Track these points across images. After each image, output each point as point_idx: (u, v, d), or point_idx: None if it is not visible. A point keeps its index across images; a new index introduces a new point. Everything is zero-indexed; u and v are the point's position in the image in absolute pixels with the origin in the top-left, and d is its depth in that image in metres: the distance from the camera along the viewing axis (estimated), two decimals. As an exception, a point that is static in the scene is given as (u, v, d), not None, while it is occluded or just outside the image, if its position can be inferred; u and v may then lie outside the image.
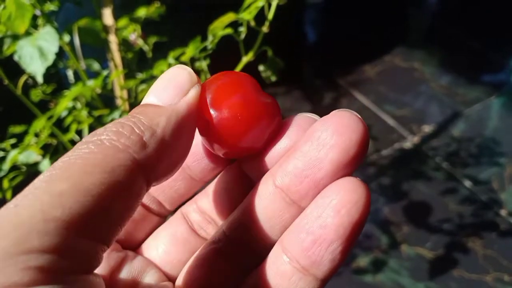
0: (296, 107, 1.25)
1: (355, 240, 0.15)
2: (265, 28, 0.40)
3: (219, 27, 0.40)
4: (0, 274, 0.10)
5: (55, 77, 0.89)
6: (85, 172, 0.13)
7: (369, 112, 1.22)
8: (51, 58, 0.52)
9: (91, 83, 0.49)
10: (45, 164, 0.57)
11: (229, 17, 0.38)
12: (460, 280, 0.85)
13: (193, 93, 0.16)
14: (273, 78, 0.48)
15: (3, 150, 0.60)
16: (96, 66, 0.72)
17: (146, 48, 0.74)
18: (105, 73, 0.49)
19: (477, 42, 1.38)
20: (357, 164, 0.16)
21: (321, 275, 0.15)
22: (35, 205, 0.12)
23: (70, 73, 0.73)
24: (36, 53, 0.53)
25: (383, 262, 0.90)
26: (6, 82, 0.65)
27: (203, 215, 0.21)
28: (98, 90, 0.50)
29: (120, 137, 0.14)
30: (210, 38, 0.41)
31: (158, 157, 0.14)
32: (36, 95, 0.66)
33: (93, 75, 0.73)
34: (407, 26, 1.56)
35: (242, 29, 0.43)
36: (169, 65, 0.48)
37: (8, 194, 0.62)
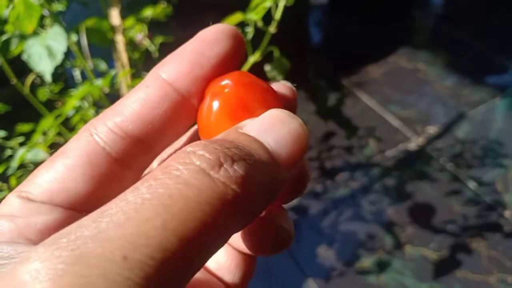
0: (301, 107, 1.25)
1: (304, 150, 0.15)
2: (272, 29, 0.40)
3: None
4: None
5: (62, 77, 0.89)
6: (189, 210, 0.12)
7: (373, 113, 1.23)
8: (59, 57, 0.52)
9: (99, 82, 0.50)
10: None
11: (237, 17, 0.39)
12: (464, 281, 0.85)
13: (303, 151, 0.15)
14: (280, 78, 0.48)
15: (11, 148, 0.61)
16: (103, 65, 0.72)
17: (152, 48, 0.75)
18: (112, 72, 0.50)
19: (481, 44, 1.38)
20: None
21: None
22: (125, 239, 0.11)
23: (77, 73, 0.73)
24: (45, 52, 0.53)
25: (387, 263, 0.90)
26: (14, 81, 0.65)
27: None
28: (106, 90, 0.51)
29: (229, 180, 0.12)
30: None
31: (259, 205, 0.13)
32: (43, 94, 0.67)
33: (99, 75, 0.73)
34: (411, 28, 1.56)
35: (250, 29, 0.43)
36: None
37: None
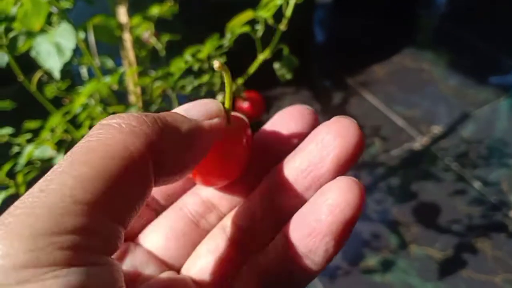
0: (305, 107, 1.25)
1: (347, 236, 0.16)
2: (282, 26, 0.40)
3: (238, 25, 0.40)
4: (41, 253, 0.11)
5: (69, 74, 0.89)
6: (104, 156, 0.13)
7: (378, 112, 1.23)
8: (68, 54, 0.52)
9: (107, 79, 0.50)
10: (59, 159, 0.57)
11: (248, 15, 0.39)
12: (469, 281, 0.85)
13: (218, 120, 0.17)
14: (288, 77, 0.48)
15: (18, 145, 0.61)
16: (110, 63, 0.72)
17: (159, 46, 0.75)
18: (120, 70, 0.50)
19: (486, 44, 1.38)
20: (353, 164, 0.18)
21: (317, 262, 0.17)
22: (63, 190, 0.12)
23: (84, 70, 0.74)
24: (54, 49, 0.54)
25: (392, 262, 0.90)
26: (21, 78, 0.66)
27: (205, 204, 0.21)
28: (115, 87, 0.51)
29: (141, 124, 0.14)
30: (228, 35, 0.42)
31: (170, 157, 0.15)
32: (50, 91, 0.67)
33: (106, 72, 0.73)
34: (416, 27, 1.56)
35: (259, 27, 0.43)
36: (186, 62, 0.48)
37: (22, 189, 0.62)
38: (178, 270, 0.20)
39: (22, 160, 0.52)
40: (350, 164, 0.18)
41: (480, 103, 1.20)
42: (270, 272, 0.18)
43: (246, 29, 0.43)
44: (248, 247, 0.19)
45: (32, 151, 0.53)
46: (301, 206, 0.17)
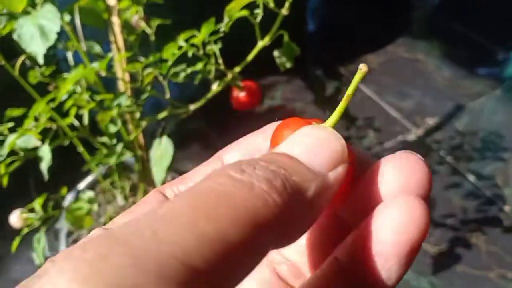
0: (298, 97, 1.23)
1: (411, 262, 0.15)
2: (284, 10, 0.37)
3: (236, 9, 0.37)
4: None
5: (54, 59, 0.85)
6: (232, 219, 0.11)
7: (371, 102, 1.20)
8: (52, 37, 0.49)
9: (95, 65, 0.47)
10: (44, 149, 0.54)
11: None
12: (463, 276, 0.84)
13: (342, 170, 0.15)
14: (288, 65, 0.45)
15: (0, 134, 0.57)
16: (97, 48, 0.69)
17: (148, 31, 0.71)
18: (109, 56, 0.46)
19: (481, 35, 1.36)
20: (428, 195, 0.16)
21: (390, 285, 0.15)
22: (177, 246, 0.10)
23: (69, 55, 0.70)
24: (37, 32, 0.50)
25: (386, 256, 0.88)
26: (2, 62, 0.62)
27: (292, 268, 0.19)
28: (103, 73, 0.48)
29: (272, 190, 0.13)
30: (225, 20, 0.39)
31: (296, 223, 0.13)
32: (34, 77, 0.63)
33: (93, 58, 0.70)
34: (410, 17, 1.54)
35: (259, 11, 0.41)
36: (179, 48, 0.45)
37: (5, 180, 0.59)
38: None
39: (4, 150, 0.49)
40: (421, 193, 0.16)
41: (474, 95, 1.19)
42: None
43: (245, 13, 0.40)
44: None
45: (15, 140, 0.49)
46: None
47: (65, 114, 0.63)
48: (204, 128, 1.15)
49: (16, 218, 0.64)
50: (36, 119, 0.54)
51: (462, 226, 0.92)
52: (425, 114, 1.16)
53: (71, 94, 0.60)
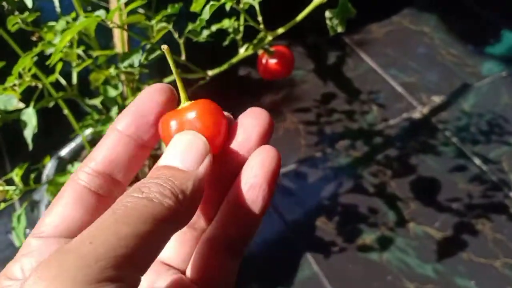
0: (299, 65, 1.14)
1: (276, 182, 0.21)
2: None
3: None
4: None
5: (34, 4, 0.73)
6: (142, 221, 0.17)
7: (376, 76, 1.14)
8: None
9: (101, 13, 0.37)
10: (29, 112, 0.44)
11: None
12: (468, 264, 0.81)
13: (208, 161, 0.21)
14: (340, 29, 0.37)
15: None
16: (90, -6, 0.58)
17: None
18: (122, 1, 0.37)
19: (491, 13, 1.30)
20: (269, 138, 0.22)
21: (258, 211, 0.21)
22: (108, 244, 0.16)
23: (56, 1, 0.59)
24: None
25: (390, 240, 0.84)
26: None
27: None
28: (111, 24, 0.38)
29: (164, 198, 0.18)
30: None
31: (186, 211, 0.19)
32: (12, 23, 0.52)
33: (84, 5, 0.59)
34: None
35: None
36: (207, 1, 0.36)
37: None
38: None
39: (-21, 114, 0.40)
40: (268, 137, 0.22)
41: (482, 75, 1.14)
42: (223, 240, 0.22)
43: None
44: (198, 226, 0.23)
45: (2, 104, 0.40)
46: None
47: (49, 71, 0.53)
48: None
49: (-10, 190, 0.55)
50: (19, 76, 0.44)
51: (467, 211, 0.88)
52: (431, 91, 1.10)
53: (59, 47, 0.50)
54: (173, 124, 0.21)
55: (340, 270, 0.81)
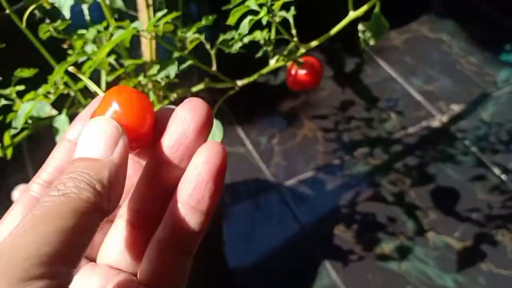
0: (317, 72, 1.14)
1: (223, 179, 0.21)
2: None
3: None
4: None
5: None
6: (62, 217, 0.17)
7: (395, 84, 1.13)
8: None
9: (138, 24, 0.38)
10: (61, 119, 0.45)
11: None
12: (488, 275, 0.80)
13: (122, 143, 0.20)
14: (372, 42, 0.38)
15: (6, 98, 0.48)
16: (119, 2, 0.59)
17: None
18: (159, 14, 0.37)
19: (509, 21, 1.29)
20: (209, 132, 0.22)
21: (205, 210, 0.21)
22: (30, 244, 0.16)
23: (85, 9, 0.60)
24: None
25: (409, 250, 0.84)
26: (8, 11, 0.52)
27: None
28: (147, 36, 0.39)
29: (81, 191, 0.18)
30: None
31: (108, 199, 0.19)
32: (44, 31, 0.53)
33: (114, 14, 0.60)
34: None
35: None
36: (250, 13, 0.36)
37: (9, 152, 0.50)
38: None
39: (19, 121, 0.40)
40: (207, 132, 0.21)
41: (501, 83, 1.13)
42: (173, 240, 0.21)
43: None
44: (146, 227, 0.22)
45: (31, 109, 0.41)
46: (182, 175, 0.21)
47: (76, 77, 0.54)
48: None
49: (19, 194, 0.56)
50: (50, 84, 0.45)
51: (487, 222, 0.88)
52: (450, 100, 1.10)
53: (90, 56, 0.51)
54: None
55: (359, 279, 0.81)
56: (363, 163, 0.97)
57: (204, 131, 0.21)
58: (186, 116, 0.21)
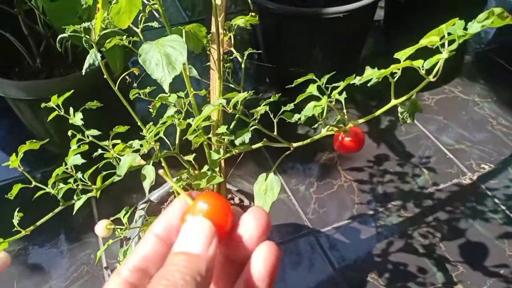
0: (354, 127, 1.23)
1: (276, 273, 0.25)
2: (431, 77, 0.39)
3: (383, 73, 0.39)
4: None
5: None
6: None
7: (428, 141, 1.21)
8: (179, 67, 0.51)
9: (222, 101, 0.48)
10: (149, 169, 0.56)
11: (405, 63, 0.37)
12: (516, 330, 0.84)
13: (215, 242, 0.24)
14: (409, 121, 0.47)
15: (103, 148, 0.59)
16: (194, 72, 0.71)
17: (239, 58, 0.73)
18: (241, 95, 0.48)
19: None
20: (268, 234, 0.26)
21: None
22: None
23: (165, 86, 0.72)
24: (163, 60, 0.52)
25: (438, 301, 0.89)
26: (106, 75, 0.64)
27: None
28: (229, 109, 0.49)
29: (187, 283, 0.22)
30: (370, 77, 0.40)
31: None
32: (133, 94, 0.65)
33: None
34: (467, 57, 1.54)
35: (398, 72, 0.42)
36: (314, 96, 0.46)
37: (98, 193, 0.61)
38: None
39: (122, 170, 0.51)
40: (266, 235, 0.26)
41: (531, 145, 1.19)
42: None
43: (386, 72, 0.41)
44: None
45: (132, 162, 0.51)
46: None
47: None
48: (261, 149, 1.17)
49: (101, 229, 0.66)
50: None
51: (516, 279, 0.92)
52: (481, 158, 1.16)
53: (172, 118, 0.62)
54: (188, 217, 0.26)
55: (390, 325, 0.86)
56: (395, 215, 1.04)
57: (264, 235, 0.26)
58: (251, 222, 0.26)
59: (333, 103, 0.46)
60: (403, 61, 0.37)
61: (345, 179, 1.12)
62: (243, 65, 0.72)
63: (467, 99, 1.34)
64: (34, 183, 0.53)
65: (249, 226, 0.26)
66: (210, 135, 0.63)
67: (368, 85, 0.41)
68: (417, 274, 0.93)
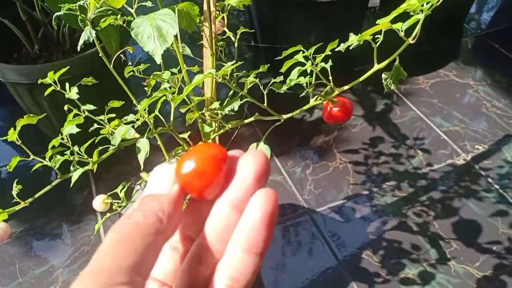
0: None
1: (275, 223, 0.24)
2: (411, 39, 0.40)
3: (366, 34, 0.40)
4: None
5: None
6: (136, 238, 0.22)
7: (423, 123, 1.22)
8: (170, 40, 0.52)
9: (213, 71, 0.50)
10: (143, 142, 0.57)
11: (384, 25, 0.38)
12: (507, 304, 0.86)
13: (176, 186, 0.25)
14: (393, 87, 0.48)
15: (99, 123, 0.61)
16: (187, 50, 0.72)
17: (232, 37, 0.75)
18: (230, 63, 0.49)
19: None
20: (267, 178, 0.25)
21: (259, 252, 0.23)
22: (113, 260, 0.21)
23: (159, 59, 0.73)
24: (155, 33, 0.53)
25: (431, 276, 0.90)
26: (100, 53, 0.65)
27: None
28: (218, 79, 0.51)
29: (147, 219, 0.23)
30: (353, 42, 0.42)
31: (168, 226, 0.24)
32: (128, 71, 0.67)
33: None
34: (460, 41, 1.55)
35: (380, 36, 0.43)
36: (300, 62, 0.48)
37: (95, 167, 0.63)
38: None
39: (116, 140, 0.53)
40: (265, 179, 0.25)
41: (525, 126, 1.20)
42: (230, 280, 0.24)
43: (368, 37, 0.43)
44: (212, 261, 0.25)
45: (125, 132, 0.53)
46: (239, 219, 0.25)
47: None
48: (256, 132, 1.18)
49: (99, 203, 0.68)
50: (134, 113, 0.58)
51: (507, 254, 0.93)
52: (475, 140, 1.17)
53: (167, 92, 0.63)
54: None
55: (384, 300, 0.88)
56: (390, 195, 1.05)
57: (262, 179, 0.25)
58: (247, 166, 0.25)
59: (318, 68, 0.47)
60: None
61: (340, 161, 1.14)
62: (236, 44, 0.73)
63: (462, 83, 1.35)
64: (32, 156, 0.55)
65: (246, 170, 0.25)
66: (204, 111, 0.65)
67: (350, 48, 0.42)
68: (411, 251, 0.95)
